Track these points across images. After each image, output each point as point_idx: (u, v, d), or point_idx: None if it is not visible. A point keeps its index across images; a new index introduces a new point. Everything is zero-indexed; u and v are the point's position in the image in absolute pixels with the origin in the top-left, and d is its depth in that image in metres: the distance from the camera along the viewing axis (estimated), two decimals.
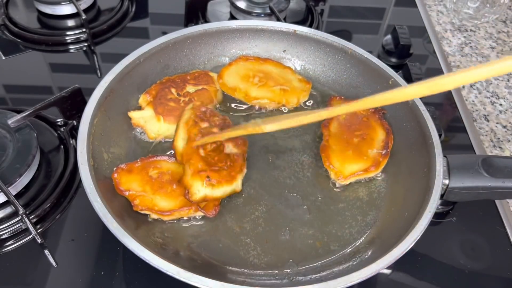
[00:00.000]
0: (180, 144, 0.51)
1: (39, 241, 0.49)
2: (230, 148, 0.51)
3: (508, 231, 0.55)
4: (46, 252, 0.48)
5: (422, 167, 0.50)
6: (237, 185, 0.49)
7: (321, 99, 0.63)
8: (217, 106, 0.61)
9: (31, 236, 0.49)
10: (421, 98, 0.55)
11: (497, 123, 0.72)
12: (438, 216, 0.56)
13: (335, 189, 0.53)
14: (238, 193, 0.51)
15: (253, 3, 0.79)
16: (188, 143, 0.50)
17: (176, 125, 0.54)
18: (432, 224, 0.44)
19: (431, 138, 0.51)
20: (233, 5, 0.79)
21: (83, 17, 0.72)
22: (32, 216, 0.49)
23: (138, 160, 0.51)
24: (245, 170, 0.51)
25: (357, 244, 0.48)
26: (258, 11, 0.78)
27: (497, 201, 0.58)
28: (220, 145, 0.51)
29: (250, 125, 0.47)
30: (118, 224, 0.40)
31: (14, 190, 0.50)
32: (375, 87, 0.60)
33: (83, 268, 0.47)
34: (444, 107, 0.72)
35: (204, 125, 0.52)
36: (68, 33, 0.74)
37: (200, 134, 0.50)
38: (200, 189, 0.46)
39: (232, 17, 0.80)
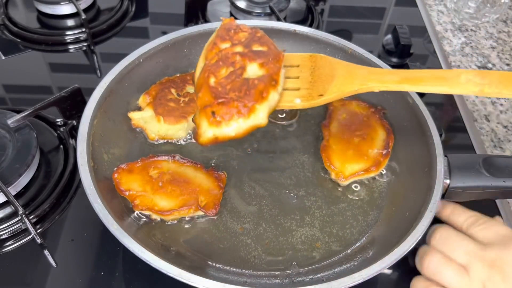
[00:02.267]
0: (197, 75, 0.43)
1: (38, 241, 0.48)
2: (253, 70, 0.41)
3: None
4: (46, 252, 0.48)
5: (423, 166, 0.50)
6: (257, 117, 0.40)
7: None
8: None
9: (30, 236, 0.49)
10: (421, 98, 0.55)
11: (498, 123, 0.72)
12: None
13: (335, 189, 0.53)
14: (238, 194, 0.51)
15: (253, 3, 0.79)
16: (202, 72, 0.42)
17: None
18: (433, 224, 0.44)
19: (431, 138, 0.51)
20: (233, 4, 0.79)
21: (83, 17, 0.72)
22: (32, 216, 0.49)
23: (139, 160, 0.51)
24: (275, 97, 0.41)
25: (358, 244, 0.48)
26: (258, 10, 0.78)
27: (497, 201, 0.58)
28: (239, 68, 0.41)
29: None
30: (118, 225, 0.40)
31: (13, 190, 0.50)
32: None
33: (83, 268, 0.47)
34: (445, 107, 0.72)
35: (224, 45, 0.43)
36: (68, 33, 0.74)
37: (216, 58, 0.41)
38: (207, 129, 0.39)
39: (232, 17, 0.80)
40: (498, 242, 0.43)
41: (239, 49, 0.42)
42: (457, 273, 0.42)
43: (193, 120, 0.42)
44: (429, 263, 0.44)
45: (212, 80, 0.40)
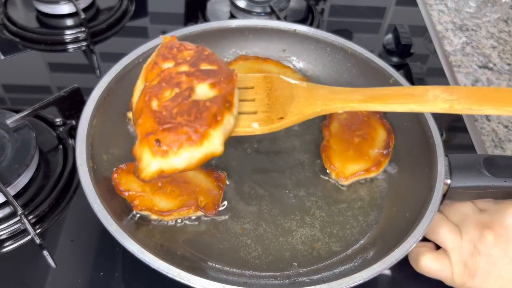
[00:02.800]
0: (135, 99, 0.38)
1: (38, 241, 0.48)
2: (203, 91, 0.36)
3: None
4: (45, 252, 0.48)
5: (423, 166, 0.50)
6: (211, 144, 0.34)
7: None
8: None
9: (30, 236, 0.49)
10: None
11: (499, 123, 0.72)
12: None
13: (336, 189, 0.53)
14: (238, 194, 0.51)
15: (253, 2, 0.78)
16: (142, 94, 0.36)
17: None
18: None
19: (432, 138, 0.50)
20: (233, 4, 0.79)
21: (82, 16, 0.72)
22: (31, 217, 0.49)
23: None
24: (230, 121, 0.36)
25: (358, 245, 0.48)
26: (258, 10, 0.78)
27: None
28: (186, 89, 0.36)
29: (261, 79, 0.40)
30: (117, 225, 0.40)
31: (13, 190, 0.50)
32: (376, 86, 0.59)
33: (82, 268, 0.47)
34: None
35: (167, 65, 0.38)
36: (67, 32, 0.74)
37: (158, 79, 0.37)
38: (150, 161, 0.33)
39: (232, 16, 0.80)
40: (493, 207, 0.44)
41: (184, 68, 0.37)
42: (450, 231, 0.43)
43: (132, 153, 0.35)
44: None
45: (154, 103, 0.35)
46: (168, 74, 0.37)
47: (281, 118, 0.39)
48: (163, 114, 0.34)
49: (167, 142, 0.33)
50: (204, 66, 0.38)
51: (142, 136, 0.34)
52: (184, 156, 0.34)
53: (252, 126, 0.39)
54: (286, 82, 0.42)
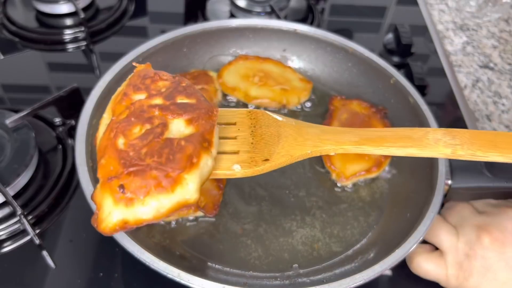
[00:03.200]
0: (100, 135, 0.34)
1: (37, 242, 0.48)
2: (178, 128, 0.32)
3: None
4: (44, 253, 0.48)
5: (424, 167, 0.49)
6: (185, 191, 0.30)
7: (322, 99, 0.62)
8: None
9: (29, 237, 0.48)
10: (423, 97, 0.55)
11: (500, 123, 0.72)
12: None
13: (336, 189, 0.53)
14: (238, 194, 0.50)
15: (253, 2, 0.78)
16: (107, 130, 0.32)
17: None
18: None
19: None
20: (233, 3, 0.78)
21: (82, 16, 0.72)
22: (30, 217, 0.49)
23: None
24: (208, 163, 0.32)
25: (359, 245, 0.48)
26: (258, 9, 0.78)
27: None
28: (159, 125, 0.32)
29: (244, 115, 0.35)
30: None
31: (12, 190, 0.50)
32: (377, 86, 0.60)
33: (82, 269, 0.47)
34: (446, 106, 0.72)
35: (138, 96, 0.33)
36: (67, 32, 0.74)
37: (127, 112, 0.32)
38: (112, 210, 0.29)
39: (232, 16, 0.80)
40: (492, 210, 0.44)
41: (158, 101, 0.33)
42: (447, 232, 0.43)
43: (91, 198, 0.31)
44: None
45: (120, 142, 0.30)
46: (139, 107, 0.33)
47: (266, 159, 0.35)
48: (129, 155, 0.30)
49: (132, 189, 0.29)
50: (181, 99, 0.34)
51: (104, 180, 0.30)
52: (152, 205, 0.29)
53: (233, 169, 0.35)
54: (273, 118, 0.38)
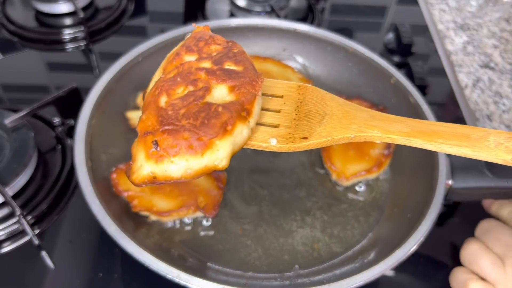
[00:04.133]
0: (149, 90, 0.35)
1: (36, 242, 0.48)
2: (220, 94, 0.32)
3: None
4: (43, 253, 0.48)
5: (425, 167, 0.49)
6: (214, 157, 0.30)
7: None
8: None
9: (28, 237, 0.48)
10: (423, 97, 0.54)
11: (500, 123, 0.71)
12: (441, 217, 0.55)
13: (336, 189, 0.53)
14: (238, 194, 0.50)
15: (253, 1, 0.78)
16: (153, 87, 0.33)
17: None
18: (435, 225, 0.44)
19: None
20: (232, 3, 0.78)
21: (81, 15, 0.71)
22: (30, 217, 0.49)
23: None
24: (244, 133, 0.32)
25: (359, 246, 0.47)
26: (258, 9, 0.78)
27: None
28: (201, 88, 0.32)
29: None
30: (116, 226, 0.40)
31: (11, 191, 0.49)
32: (377, 85, 0.60)
33: (81, 269, 0.46)
34: (447, 106, 0.72)
35: (189, 58, 0.34)
36: (66, 31, 0.73)
37: (175, 72, 0.33)
38: (144, 164, 0.30)
39: (232, 15, 0.80)
40: None
41: (206, 64, 0.33)
42: (492, 263, 0.41)
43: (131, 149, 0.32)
44: (466, 251, 0.43)
45: (162, 100, 0.31)
46: (187, 68, 0.33)
47: (305, 138, 0.34)
48: (168, 113, 0.30)
49: (164, 146, 0.29)
50: (228, 66, 0.34)
51: (141, 134, 0.31)
52: (181, 165, 0.30)
53: (269, 142, 0.34)
54: (321, 95, 0.36)
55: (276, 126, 0.35)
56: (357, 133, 0.34)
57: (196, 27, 0.38)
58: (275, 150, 0.34)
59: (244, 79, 0.33)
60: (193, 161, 0.30)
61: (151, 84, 0.35)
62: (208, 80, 0.33)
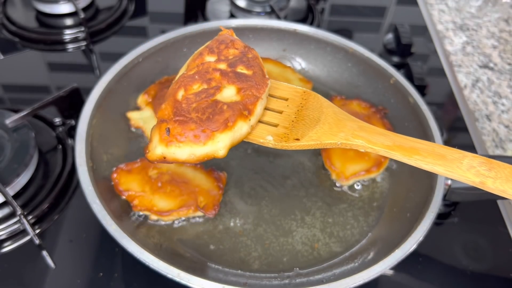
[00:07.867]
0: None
1: (37, 242, 0.48)
2: (229, 93, 0.37)
3: (510, 232, 0.55)
4: (44, 253, 0.48)
5: None
6: (214, 147, 0.35)
7: None
8: None
9: (29, 237, 0.48)
10: (423, 97, 0.55)
11: (499, 123, 0.71)
12: (440, 217, 0.55)
13: (336, 189, 0.53)
14: (238, 194, 0.50)
15: (253, 2, 0.78)
16: (175, 81, 0.38)
17: None
18: (434, 224, 0.44)
19: (433, 138, 0.50)
20: (232, 3, 0.78)
21: (82, 16, 0.71)
22: (30, 217, 0.49)
23: (138, 160, 0.50)
24: (243, 129, 0.36)
25: (359, 245, 0.48)
26: (258, 9, 0.78)
27: (499, 202, 0.58)
28: (214, 87, 0.37)
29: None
30: (117, 226, 0.40)
31: (12, 190, 0.50)
32: (376, 86, 0.60)
33: (82, 269, 0.47)
34: (446, 106, 0.72)
35: (210, 58, 0.38)
36: (66, 32, 0.74)
37: (195, 69, 0.38)
38: (157, 145, 0.35)
39: (232, 16, 0.80)
40: None
41: (222, 66, 0.38)
42: None
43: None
44: None
45: (180, 93, 0.36)
46: (205, 68, 0.38)
47: (297, 139, 0.37)
48: (182, 106, 0.36)
49: (174, 133, 0.35)
50: (240, 69, 0.38)
51: (158, 120, 0.36)
52: (186, 151, 0.35)
53: (266, 138, 0.37)
54: (320, 103, 0.39)
55: (275, 125, 0.39)
56: (343, 141, 0.37)
57: (222, 29, 0.42)
58: (270, 146, 0.38)
59: (251, 82, 0.37)
60: (197, 148, 0.35)
61: (177, 77, 0.39)
62: (221, 80, 0.37)
